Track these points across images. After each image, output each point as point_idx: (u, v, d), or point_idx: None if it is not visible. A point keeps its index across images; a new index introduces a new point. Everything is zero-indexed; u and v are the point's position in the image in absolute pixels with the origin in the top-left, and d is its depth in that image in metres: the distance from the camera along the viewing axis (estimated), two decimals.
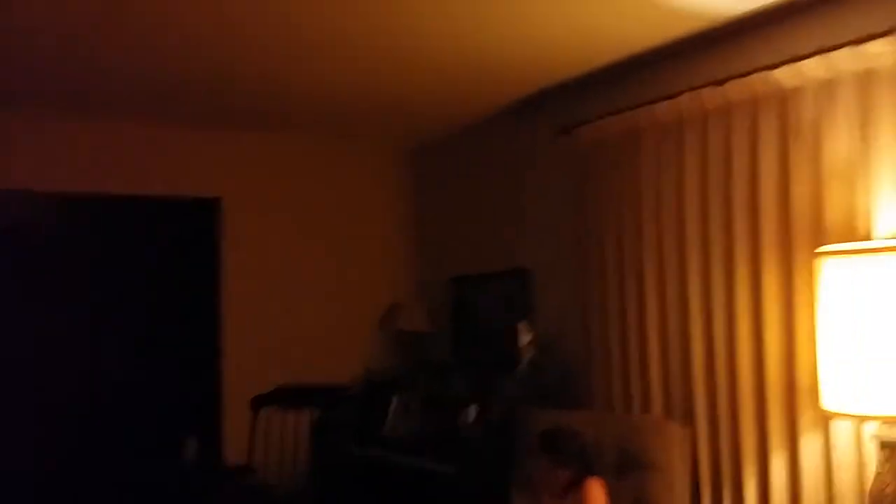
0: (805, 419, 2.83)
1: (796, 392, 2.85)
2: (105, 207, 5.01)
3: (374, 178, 5.15)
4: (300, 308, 4.74)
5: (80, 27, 2.97)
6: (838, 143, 2.76)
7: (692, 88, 3.15)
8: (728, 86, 3.03)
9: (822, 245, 2.74)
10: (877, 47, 2.59)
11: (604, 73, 3.62)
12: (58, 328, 5.29)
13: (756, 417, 3.01)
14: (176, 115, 4.20)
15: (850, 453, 2.70)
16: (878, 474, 2.45)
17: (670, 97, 3.24)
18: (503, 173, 4.52)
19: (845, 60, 2.68)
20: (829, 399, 2.49)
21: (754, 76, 2.93)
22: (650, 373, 3.42)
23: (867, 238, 2.68)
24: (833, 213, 2.78)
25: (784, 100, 2.90)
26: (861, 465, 2.66)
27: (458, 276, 4.78)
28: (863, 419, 2.51)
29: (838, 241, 2.72)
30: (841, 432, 2.73)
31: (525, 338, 4.04)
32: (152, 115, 4.18)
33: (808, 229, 2.84)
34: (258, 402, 3.76)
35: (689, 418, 3.24)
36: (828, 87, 2.77)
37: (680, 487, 3.12)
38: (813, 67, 2.77)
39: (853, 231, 2.72)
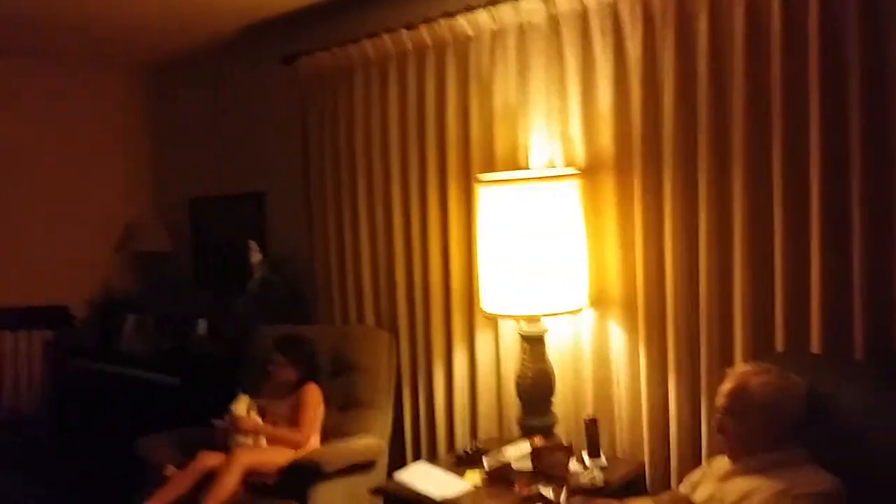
0: (480, 320, 3.35)
1: (473, 298, 3.35)
2: None
3: (109, 96, 5.08)
4: (30, 227, 4.64)
5: None
6: (505, 88, 3.22)
7: (389, 30, 3.48)
8: (420, 29, 3.38)
9: (492, 173, 3.23)
10: (531, 4, 3.04)
11: (323, 7, 3.84)
12: None
13: (444, 320, 3.49)
14: None
15: (513, 346, 3.25)
16: (522, 361, 3.02)
17: (373, 35, 3.55)
18: (236, 98, 4.66)
19: (508, 14, 3.12)
20: (486, 302, 2.99)
21: (441, 22, 3.31)
22: (363, 288, 3.81)
23: (527, 168, 3.19)
24: (501, 147, 3.25)
25: (466, 46, 3.31)
26: (520, 355, 3.21)
27: (196, 197, 4.91)
28: (510, 318, 3.03)
29: (505, 171, 3.21)
30: (506, 330, 3.28)
31: (256, 257, 4.30)
32: None
33: (482, 160, 3.31)
34: None
35: (394, 327, 3.68)
36: (498, 38, 3.20)
37: (385, 385, 3.56)
38: (484, 18, 3.18)
39: (516, 162, 3.22)
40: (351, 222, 3.83)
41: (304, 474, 3.01)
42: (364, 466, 3.24)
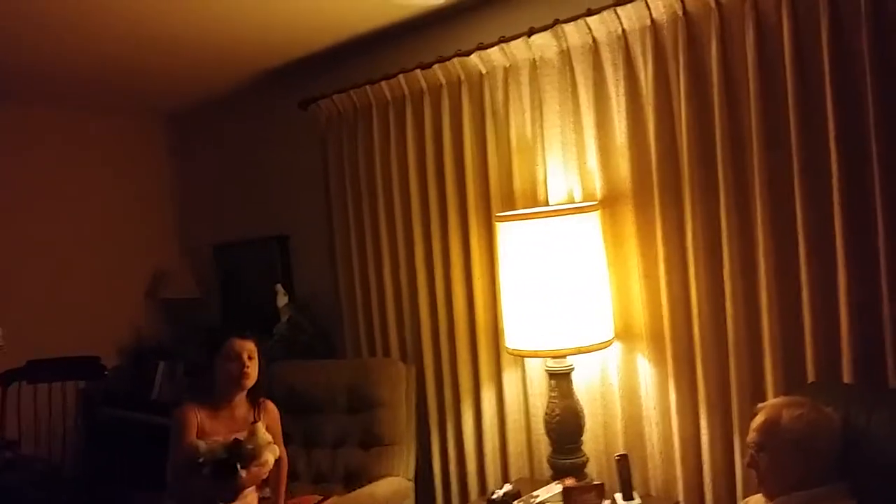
0: (506, 357, 3.31)
1: (499, 335, 3.31)
2: None
3: (132, 144, 5.12)
4: (60, 280, 4.68)
5: None
6: (521, 123, 3.21)
7: (405, 71, 3.49)
8: (434, 69, 3.39)
9: (512, 208, 3.22)
10: (542, 39, 3.03)
11: (337, 51, 3.89)
12: None
13: (470, 359, 3.46)
14: None
15: (540, 383, 3.21)
16: (550, 398, 2.97)
17: (388, 77, 3.57)
18: (256, 143, 4.70)
19: (520, 50, 3.12)
20: (511, 340, 2.96)
21: (455, 61, 3.32)
22: (388, 328, 3.78)
23: (545, 203, 3.16)
24: (519, 182, 3.24)
25: (480, 83, 3.31)
26: (547, 392, 3.16)
27: (222, 243, 4.94)
28: (535, 355, 2.99)
29: (524, 206, 3.20)
30: (532, 367, 3.24)
31: (282, 300, 4.32)
32: None
33: (501, 196, 3.29)
34: (7, 379, 3.78)
35: (420, 366, 3.65)
36: (511, 74, 3.20)
37: (405, 419, 3.49)
38: (497, 55, 3.18)
39: (535, 196, 3.20)
40: (375, 262, 3.83)
41: None
42: None
